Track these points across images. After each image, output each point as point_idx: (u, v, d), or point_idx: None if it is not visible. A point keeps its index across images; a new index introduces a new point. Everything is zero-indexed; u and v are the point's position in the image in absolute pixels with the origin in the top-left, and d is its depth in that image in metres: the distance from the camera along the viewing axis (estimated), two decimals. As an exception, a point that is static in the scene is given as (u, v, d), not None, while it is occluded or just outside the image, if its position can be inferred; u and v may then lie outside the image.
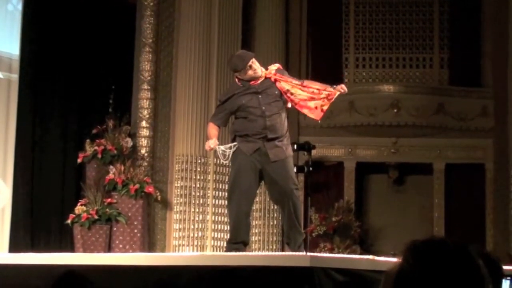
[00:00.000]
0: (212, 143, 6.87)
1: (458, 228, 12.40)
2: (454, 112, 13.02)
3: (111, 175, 11.11)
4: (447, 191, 13.03)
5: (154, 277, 5.32)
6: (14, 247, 10.83)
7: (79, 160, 11.34)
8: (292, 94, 6.89)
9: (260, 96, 6.86)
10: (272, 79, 6.93)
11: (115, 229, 10.95)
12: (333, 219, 12.29)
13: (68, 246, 11.10)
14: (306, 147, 11.88)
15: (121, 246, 10.87)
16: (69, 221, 10.87)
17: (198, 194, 11.69)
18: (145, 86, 12.04)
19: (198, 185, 11.72)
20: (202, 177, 11.77)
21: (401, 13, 13.48)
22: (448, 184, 13.06)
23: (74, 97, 12.30)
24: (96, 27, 12.30)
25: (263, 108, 6.83)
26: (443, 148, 13.11)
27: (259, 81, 6.92)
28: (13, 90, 11.81)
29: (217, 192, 11.81)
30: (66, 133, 12.22)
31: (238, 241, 6.85)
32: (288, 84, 6.92)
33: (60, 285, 3.61)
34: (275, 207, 12.25)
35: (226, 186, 11.99)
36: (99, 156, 11.23)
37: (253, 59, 6.86)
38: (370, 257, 5.83)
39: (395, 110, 12.88)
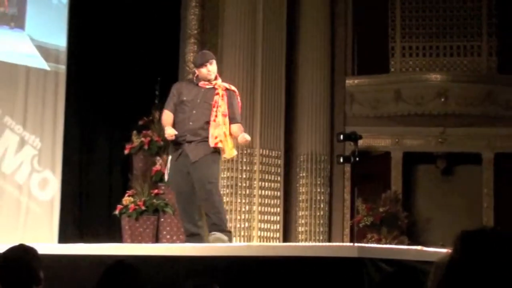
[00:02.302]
0: (172, 131, 6.98)
1: (507, 219, 12.22)
2: (503, 100, 12.82)
3: (158, 166, 11.16)
4: (496, 181, 12.85)
5: (202, 267, 5.33)
6: (63, 238, 10.96)
7: (126, 152, 11.42)
8: (217, 111, 6.98)
9: (198, 100, 7.05)
10: (218, 92, 7.06)
11: (162, 219, 11.01)
12: (380, 209, 12.19)
13: (116, 237, 11.19)
14: (352, 137, 11.81)
15: (168, 236, 10.93)
16: (117, 212, 10.96)
17: (244, 185, 11.69)
18: (191, 77, 12.06)
19: (244, 176, 11.72)
20: (248, 168, 11.77)
21: (448, 1, 13.29)
22: (497, 174, 12.88)
23: (121, 88, 12.38)
24: (142, 18, 12.35)
25: (194, 111, 7.02)
26: (492, 138, 12.91)
27: (207, 86, 7.10)
28: (60, 81, 11.96)
29: (263, 183, 11.80)
30: (113, 124, 12.31)
31: (188, 234, 7.06)
32: (224, 104, 7.02)
33: (111, 275, 3.64)
34: (321, 197, 12.23)
35: (273, 176, 12.03)
36: (146, 147, 11.29)
37: (213, 61, 7.18)
38: (419, 247, 5.76)
39: (442, 99, 12.73)
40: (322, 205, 12.20)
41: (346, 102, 13.07)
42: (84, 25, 12.17)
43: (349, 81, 13.17)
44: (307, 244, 9.82)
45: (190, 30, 12.21)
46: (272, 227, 11.85)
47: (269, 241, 11.57)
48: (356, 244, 5.23)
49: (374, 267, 4.78)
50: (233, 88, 7.31)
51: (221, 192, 11.67)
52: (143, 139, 11.32)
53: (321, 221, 12.25)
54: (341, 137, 12.05)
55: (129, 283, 3.61)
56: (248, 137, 7.01)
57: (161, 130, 11.40)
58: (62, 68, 11.97)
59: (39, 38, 12.18)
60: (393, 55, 13.37)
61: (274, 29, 12.25)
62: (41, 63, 12.17)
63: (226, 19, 12.19)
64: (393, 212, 12.24)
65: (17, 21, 12.20)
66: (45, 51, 12.16)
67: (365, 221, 12.25)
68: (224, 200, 11.58)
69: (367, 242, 11.34)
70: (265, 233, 11.65)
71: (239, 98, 7.35)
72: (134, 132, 11.43)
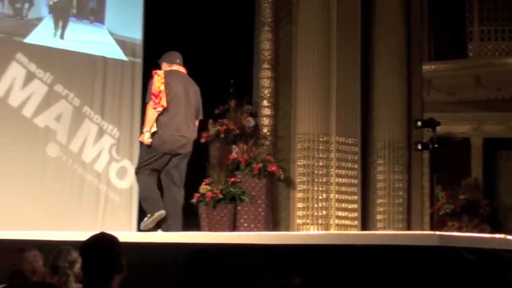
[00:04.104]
0: None
1: None
2: None
3: (234, 155, 11.19)
4: None
5: (279, 256, 5.31)
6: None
7: (202, 140, 11.47)
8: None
9: None
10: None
11: (239, 208, 11.03)
12: (461, 197, 11.97)
13: (193, 225, 11.27)
14: (430, 123, 11.62)
15: (245, 224, 10.95)
16: (194, 200, 11.03)
17: (321, 172, 11.63)
18: (266, 66, 12.05)
19: (320, 164, 11.66)
20: (324, 155, 11.70)
21: (528, -18, 12.95)
22: None
23: (196, 78, 12.42)
24: (216, 9, 12.37)
25: None
26: None
27: None
28: (137, 72, 12.12)
29: (340, 171, 11.72)
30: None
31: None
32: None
33: (192, 263, 3.64)
34: (399, 185, 12.09)
35: (350, 164, 11.93)
36: (222, 136, 11.33)
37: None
38: (502, 236, 5.62)
39: (523, 84, 12.43)
40: (400, 193, 12.05)
41: (423, 88, 12.87)
42: (159, 16, 12.27)
43: (426, 67, 12.96)
44: (386, 232, 9.71)
45: (264, 18, 12.20)
46: (350, 215, 11.76)
47: (347, 229, 11.49)
48: (437, 233, 5.13)
49: (456, 256, 4.68)
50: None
51: (298, 180, 11.67)
52: (219, 127, 11.36)
53: (400, 209, 12.11)
54: (419, 123, 11.88)
55: (212, 272, 3.61)
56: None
57: (236, 118, 11.44)
58: (139, 61, 12.13)
59: (117, 31, 12.37)
60: (471, 39, 13.09)
61: (349, 14, 12.13)
62: (118, 54, 12.35)
63: (300, 6, 12.12)
64: (474, 200, 12.00)
65: (96, 15, 12.41)
66: (122, 44, 12.34)
67: (445, 208, 12.04)
68: (301, 188, 11.55)
69: (447, 231, 11.16)
70: (343, 221, 11.58)
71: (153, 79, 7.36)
72: (210, 121, 11.48)
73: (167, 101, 7.16)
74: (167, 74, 7.32)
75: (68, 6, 12.34)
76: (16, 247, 5.04)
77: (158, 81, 7.20)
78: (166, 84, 7.19)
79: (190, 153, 7.47)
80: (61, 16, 12.27)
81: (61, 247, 4.79)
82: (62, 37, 12.16)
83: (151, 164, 7.31)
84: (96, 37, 12.38)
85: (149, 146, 7.30)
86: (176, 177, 7.37)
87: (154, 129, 7.25)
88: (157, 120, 7.20)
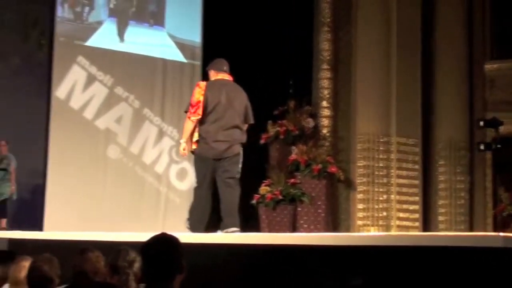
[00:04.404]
0: None
1: None
2: None
3: (293, 156, 11.17)
4: None
5: (339, 257, 5.27)
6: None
7: (262, 141, 11.48)
8: None
9: None
10: None
11: (299, 209, 11.00)
12: (525, 198, 11.76)
13: (253, 226, 11.27)
14: (493, 123, 11.43)
15: (305, 226, 10.91)
16: (254, 202, 11.03)
17: (381, 173, 11.53)
18: (325, 66, 12.01)
19: (381, 164, 11.56)
20: (385, 156, 11.60)
21: None
22: None
23: (255, 79, 12.45)
24: (274, 10, 12.38)
25: None
26: None
27: None
28: (196, 74, 12.21)
29: (400, 172, 11.61)
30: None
31: None
32: None
33: (255, 264, 3.64)
34: (462, 185, 11.92)
35: (410, 165, 11.80)
36: (282, 137, 11.32)
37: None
38: None
39: None
40: (462, 194, 11.88)
41: (485, 87, 12.66)
42: (218, 19, 12.33)
43: (488, 66, 12.74)
44: (449, 233, 9.57)
45: (323, 18, 12.15)
46: (411, 216, 11.64)
47: (408, 231, 11.37)
48: (501, 234, 5.03)
49: (521, 258, 4.59)
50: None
51: (358, 181, 11.60)
52: (278, 128, 11.35)
53: (462, 210, 11.93)
54: (481, 123, 11.67)
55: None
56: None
57: (296, 119, 11.42)
58: (198, 62, 12.21)
59: (177, 34, 12.50)
60: (534, 35, 12.83)
61: (409, 13, 12.00)
62: (178, 56, 12.45)
63: (359, 5, 12.04)
64: (540, 200, 11.76)
65: (156, 18, 12.53)
66: (181, 47, 12.45)
67: (509, 210, 11.82)
68: (361, 189, 11.48)
69: (511, 232, 10.95)
70: (404, 222, 11.46)
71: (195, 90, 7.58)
72: (270, 122, 11.48)
73: (208, 110, 7.38)
74: (208, 85, 7.52)
75: (128, 9, 12.48)
76: (79, 248, 5.10)
77: (198, 93, 7.41)
78: (206, 95, 7.39)
79: (239, 155, 7.60)
80: (121, 19, 12.43)
81: (119, 247, 4.83)
82: (122, 40, 12.32)
83: (205, 177, 7.51)
84: (155, 39, 12.52)
85: (196, 154, 7.55)
86: (226, 179, 7.48)
87: (196, 138, 7.47)
88: (200, 128, 7.42)
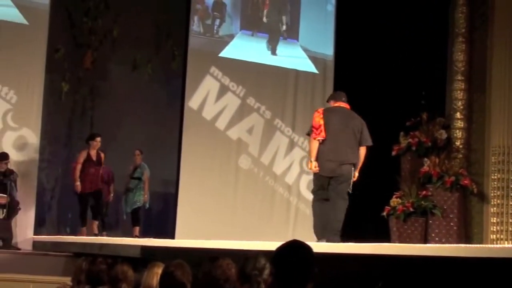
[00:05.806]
0: None
1: None
2: None
3: (426, 168, 11.00)
4: None
5: (479, 269, 5.16)
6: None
7: (393, 153, 11.37)
8: None
9: None
10: None
11: (430, 221, 10.82)
12: None
13: (383, 238, 11.15)
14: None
15: (437, 239, 10.72)
16: (384, 213, 10.93)
17: (516, 186, 11.19)
18: (459, 77, 11.77)
19: (515, 177, 11.22)
20: (520, 169, 11.25)
21: None
22: None
23: (387, 90, 12.36)
24: (407, 21, 12.26)
25: None
26: None
27: None
28: (328, 85, 12.22)
29: (536, 185, 11.22)
30: (380, 126, 12.31)
31: None
32: None
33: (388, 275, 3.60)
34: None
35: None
36: (414, 148, 11.17)
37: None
38: None
39: None
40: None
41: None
42: (350, 32, 12.31)
43: None
44: None
45: (458, 29, 11.92)
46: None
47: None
48: None
49: None
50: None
51: (492, 194, 11.30)
52: (410, 140, 11.21)
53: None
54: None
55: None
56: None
57: (428, 131, 11.25)
58: (330, 75, 12.23)
59: (310, 47, 12.57)
60: None
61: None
62: (310, 67, 12.51)
63: (495, 16, 11.76)
64: None
65: (290, 31, 12.64)
66: (313, 59, 12.50)
67: None
68: (495, 202, 11.17)
69: None
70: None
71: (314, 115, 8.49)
72: (402, 133, 11.35)
73: (326, 133, 8.26)
74: (326, 110, 8.45)
75: (260, 22, 12.64)
76: (210, 255, 5.17)
77: (317, 117, 8.35)
78: (325, 119, 8.29)
79: (349, 175, 8.30)
80: (254, 32, 12.59)
81: (248, 254, 4.86)
82: (255, 52, 12.47)
83: (320, 190, 8.37)
84: (288, 51, 12.63)
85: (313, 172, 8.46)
86: (331, 196, 8.28)
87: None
88: (318, 149, 8.29)
